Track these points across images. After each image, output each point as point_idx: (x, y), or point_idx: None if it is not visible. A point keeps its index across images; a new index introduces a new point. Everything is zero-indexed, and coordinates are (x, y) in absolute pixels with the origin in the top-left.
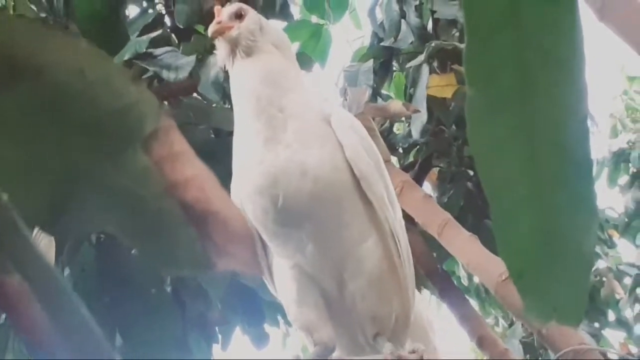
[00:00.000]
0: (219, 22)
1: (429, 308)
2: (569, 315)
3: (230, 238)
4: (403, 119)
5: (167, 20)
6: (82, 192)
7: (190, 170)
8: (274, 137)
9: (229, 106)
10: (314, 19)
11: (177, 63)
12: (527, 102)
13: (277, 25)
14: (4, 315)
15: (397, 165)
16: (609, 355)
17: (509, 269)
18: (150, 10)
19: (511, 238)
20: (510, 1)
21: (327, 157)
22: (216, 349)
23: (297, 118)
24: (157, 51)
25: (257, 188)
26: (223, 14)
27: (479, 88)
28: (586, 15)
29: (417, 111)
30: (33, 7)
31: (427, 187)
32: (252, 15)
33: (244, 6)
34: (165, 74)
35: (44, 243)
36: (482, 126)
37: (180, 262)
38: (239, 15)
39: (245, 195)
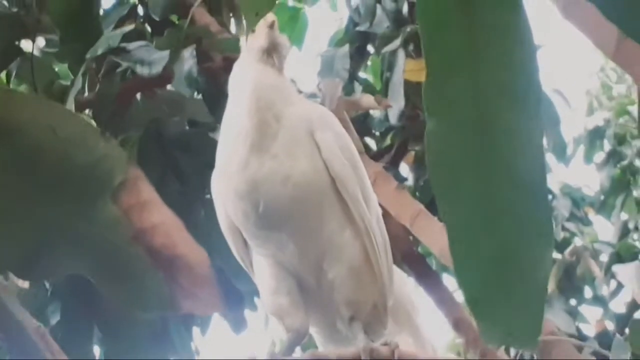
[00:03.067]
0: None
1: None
2: (523, 340)
3: (195, 281)
4: None
5: (141, 10)
6: (54, 241)
7: (157, 217)
8: (261, 144)
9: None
10: (291, 1)
11: (151, 58)
12: (484, 135)
13: None
14: None
15: (375, 148)
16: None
17: (465, 295)
18: (125, 0)
19: (468, 266)
20: (468, 39)
21: (309, 165)
22: (196, 332)
23: (290, 130)
24: (131, 46)
25: (238, 193)
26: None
27: (438, 120)
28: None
29: (389, 106)
30: (5, 2)
31: (405, 169)
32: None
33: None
34: (139, 69)
35: None
36: (441, 156)
37: (148, 304)
38: (272, 25)
39: (225, 196)
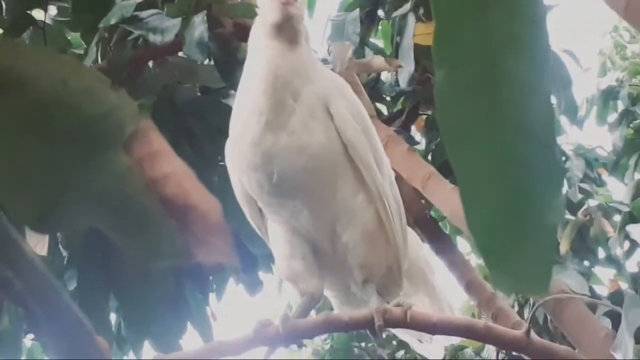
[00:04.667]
0: None
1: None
2: (533, 287)
3: (209, 230)
4: None
5: None
6: (68, 193)
7: (169, 167)
8: (277, 121)
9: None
10: None
11: (163, 26)
12: (493, 85)
13: None
14: None
15: (385, 113)
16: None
17: (478, 244)
18: None
19: (479, 215)
20: None
21: (324, 135)
22: (212, 297)
23: (307, 107)
24: (143, 14)
25: (252, 165)
26: None
27: (448, 72)
28: None
29: (399, 66)
30: None
31: (416, 134)
32: (304, 1)
33: None
34: (151, 37)
35: None
36: (450, 108)
37: (162, 254)
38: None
39: (239, 168)
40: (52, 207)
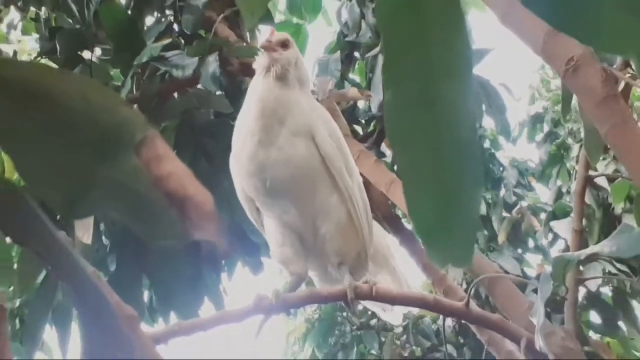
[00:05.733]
0: (269, 41)
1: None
2: (461, 260)
3: (202, 216)
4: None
5: (176, 27)
6: (89, 188)
7: (171, 167)
8: (267, 140)
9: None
10: (295, 19)
11: (184, 63)
12: (430, 105)
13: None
14: None
15: (361, 133)
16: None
17: (418, 229)
18: (163, 19)
19: (418, 205)
20: (418, 28)
21: (307, 150)
22: (224, 277)
23: (292, 130)
24: (168, 54)
25: (250, 173)
26: (274, 37)
27: (394, 92)
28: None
29: (370, 96)
30: (70, 20)
31: (386, 150)
32: (294, 50)
33: (291, 39)
34: (175, 72)
35: None
36: (395, 122)
37: (165, 235)
38: (284, 45)
39: (240, 176)
40: (78, 198)
